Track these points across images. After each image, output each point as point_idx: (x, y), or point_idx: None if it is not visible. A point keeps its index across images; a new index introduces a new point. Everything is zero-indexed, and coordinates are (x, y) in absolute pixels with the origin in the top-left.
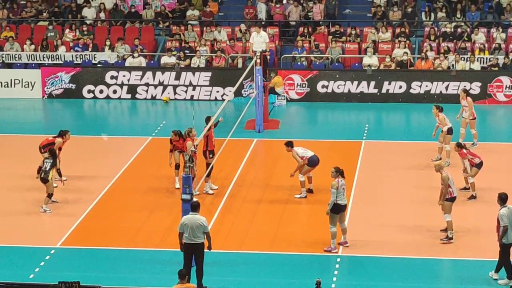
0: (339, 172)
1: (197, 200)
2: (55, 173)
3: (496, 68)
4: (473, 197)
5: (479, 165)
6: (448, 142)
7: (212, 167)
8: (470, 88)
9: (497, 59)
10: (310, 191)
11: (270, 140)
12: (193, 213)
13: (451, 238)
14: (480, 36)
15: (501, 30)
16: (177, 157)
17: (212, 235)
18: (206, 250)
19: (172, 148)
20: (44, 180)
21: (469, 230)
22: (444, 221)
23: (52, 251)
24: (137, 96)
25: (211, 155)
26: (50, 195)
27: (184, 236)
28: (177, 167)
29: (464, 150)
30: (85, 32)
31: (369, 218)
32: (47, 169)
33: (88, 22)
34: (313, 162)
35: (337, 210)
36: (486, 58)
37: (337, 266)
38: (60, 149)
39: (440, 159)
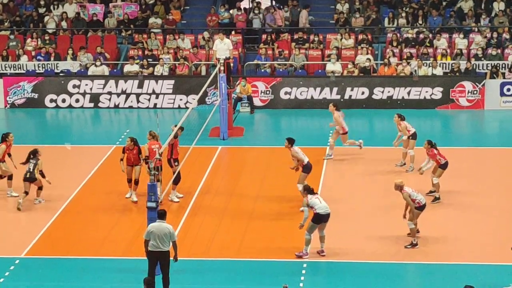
0: (307, 191)
1: (164, 209)
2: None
3: (457, 74)
4: (436, 199)
5: (444, 166)
6: (412, 147)
7: (179, 175)
8: (432, 94)
9: (459, 64)
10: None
11: (235, 147)
12: (160, 221)
13: (416, 244)
14: (442, 42)
15: (462, 35)
16: (130, 172)
17: (178, 242)
18: (171, 258)
19: (123, 158)
20: (32, 179)
21: (436, 234)
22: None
23: (17, 261)
24: (100, 104)
25: (176, 163)
26: (40, 188)
27: (151, 243)
28: (129, 181)
29: (435, 151)
30: (47, 41)
31: (335, 224)
32: (31, 169)
33: (50, 31)
34: (307, 169)
35: (319, 220)
36: (448, 64)
37: (303, 272)
38: (9, 154)
39: (404, 164)
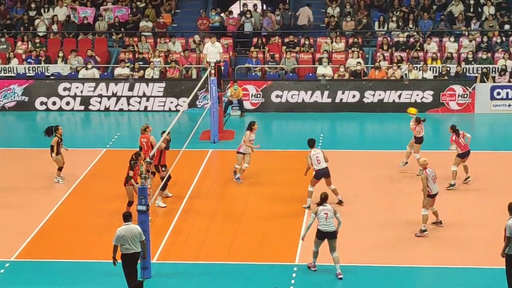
0: (321, 200)
1: (129, 211)
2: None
3: (446, 77)
4: (451, 185)
5: (461, 155)
6: (417, 151)
7: (169, 177)
8: (423, 97)
9: (449, 68)
10: (340, 202)
11: (225, 151)
12: (127, 223)
13: (425, 231)
14: (432, 46)
15: (453, 39)
16: (130, 192)
17: (168, 246)
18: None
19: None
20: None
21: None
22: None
23: (7, 265)
24: (90, 107)
25: (163, 169)
26: (60, 168)
27: (123, 247)
28: (130, 203)
29: (454, 137)
30: (38, 44)
31: None
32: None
33: (40, 34)
34: (317, 175)
35: (321, 236)
36: (439, 67)
37: (294, 275)
38: None
39: (407, 163)
